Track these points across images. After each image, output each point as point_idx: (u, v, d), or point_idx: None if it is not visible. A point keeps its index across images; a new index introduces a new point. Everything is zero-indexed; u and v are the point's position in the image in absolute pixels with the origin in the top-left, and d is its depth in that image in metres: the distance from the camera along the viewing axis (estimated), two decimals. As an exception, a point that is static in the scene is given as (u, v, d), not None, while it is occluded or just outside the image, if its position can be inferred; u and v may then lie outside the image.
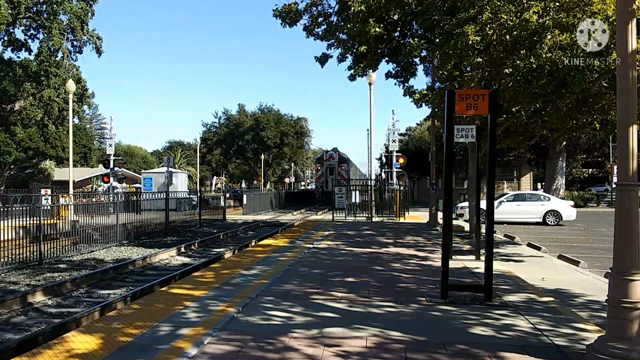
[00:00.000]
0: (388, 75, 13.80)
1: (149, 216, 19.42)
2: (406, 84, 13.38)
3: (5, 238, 12.21)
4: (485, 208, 6.84)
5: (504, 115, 11.92)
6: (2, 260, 12.07)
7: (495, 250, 8.00)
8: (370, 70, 16.28)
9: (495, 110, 6.55)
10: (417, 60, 12.49)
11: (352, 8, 10.74)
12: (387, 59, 13.00)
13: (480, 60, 9.72)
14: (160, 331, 5.19)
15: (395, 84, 13.77)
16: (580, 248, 14.27)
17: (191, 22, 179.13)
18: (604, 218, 24.84)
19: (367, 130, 34.87)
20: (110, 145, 31.38)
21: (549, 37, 8.50)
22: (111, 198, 19.50)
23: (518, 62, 9.09)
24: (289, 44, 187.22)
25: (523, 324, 5.54)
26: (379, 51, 12.42)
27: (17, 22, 34.77)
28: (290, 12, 12.56)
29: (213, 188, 61.43)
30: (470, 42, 8.86)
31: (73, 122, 31.09)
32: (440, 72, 11.31)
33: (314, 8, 12.69)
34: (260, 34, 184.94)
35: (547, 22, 8.56)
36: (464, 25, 9.19)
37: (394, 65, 13.42)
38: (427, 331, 5.24)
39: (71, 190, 26.24)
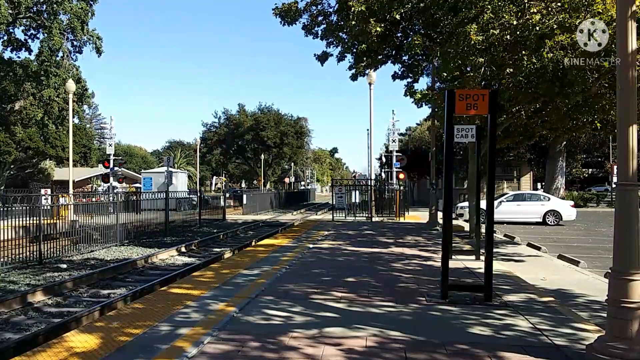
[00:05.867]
0: (395, 76, 13.84)
1: (149, 216, 19.42)
2: (415, 84, 13.49)
3: (5, 238, 12.22)
4: (485, 208, 6.84)
5: (504, 115, 11.92)
6: (2, 260, 12.07)
7: (495, 250, 7.99)
8: (371, 70, 16.30)
9: (495, 110, 6.55)
10: (421, 57, 12.51)
11: (353, 8, 10.74)
12: (392, 59, 13.03)
13: (482, 60, 9.73)
14: (160, 331, 5.19)
15: (405, 85, 13.85)
16: (580, 248, 14.26)
17: (191, 22, 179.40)
18: (604, 218, 24.83)
19: (367, 130, 34.87)
20: (110, 145, 31.40)
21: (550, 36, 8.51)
22: (111, 198, 19.50)
23: (522, 62, 9.08)
24: (290, 44, 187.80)
25: (523, 324, 5.54)
26: (382, 50, 12.43)
27: (17, 22, 34.72)
28: (290, 10, 12.57)
29: (213, 188, 61.43)
30: (472, 42, 8.86)
31: (73, 122, 31.07)
32: (442, 72, 11.32)
33: (314, 7, 12.70)
34: (260, 33, 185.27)
35: (550, 23, 8.55)
36: (465, 25, 9.20)
37: (400, 65, 13.47)
38: (426, 331, 5.23)
39: (71, 190, 26.22)
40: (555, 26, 8.50)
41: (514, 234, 16.77)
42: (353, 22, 11.09)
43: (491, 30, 8.83)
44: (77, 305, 8.86)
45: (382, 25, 10.96)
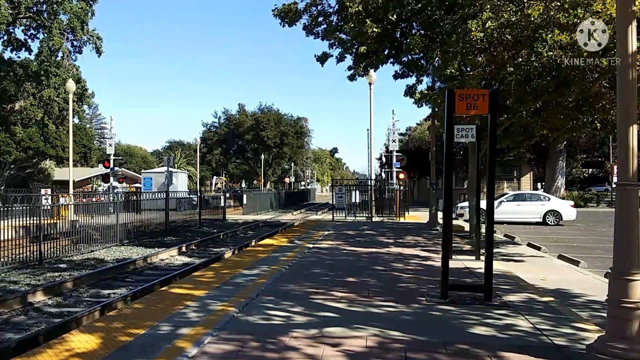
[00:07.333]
0: (396, 76, 13.85)
1: (149, 216, 19.41)
2: (419, 85, 13.53)
3: (6, 238, 12.21)
4: (485, 208, 6.84)
5: (504, 115, 11.92)
6: (2, 260, 12.07)
7: (495, 250, 8.00)
8: (371, 70, 16.30)
9: (495, 110, 6.55)
10: (421, 57, 12.51)
11: (350, 9, 10.74)
12: (392, 60, 13.03)
13: (481, 59, 9.72)
14: (161, 331, 5.19)
15: (407, 86, 13.85)
16: (580, 248, 14.27)
17: (191, 22, 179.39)
18: (604, 218, 24.83)
19: (367, 130, 34.88)
20: (110, 145, 31.42)
21: (549, 35, 8.51)
22: (111, 198, 19.50)
23: (520, 60, 9.09)
24: (290, 44, 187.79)
25: (523, 324, 5.54)
26: (382, 51, 12.43)
27: (17, 22, 34.68)
28: (289, 11, 12.56)
29: (213, 188, 61.42)
30: (474, 38, 8.84)
31: (73, 122, 31.08)
32: (442, 71, 11.31)
33: (314, 8, 12.69)
34: (260, 34, 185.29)
35: (548, 18, 8.55)
36: (464, 22, 9.19)
37: (400, 66, 13.48)
38: (427, 331, 5.24)
39: (71, 190, 26.22)
40: (552, 17, 8.49)
41: (514, 234, 16.77)
42: (350, 24, 11.08)
43: (488, 23, 8.76)
44: (77, 305, 8.86)
45: (380, 25, 10.95)
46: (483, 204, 7.55)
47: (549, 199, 23.13)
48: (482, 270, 6.64)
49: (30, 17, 34.84)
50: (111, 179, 29.78)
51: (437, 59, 11.86)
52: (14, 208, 13.65)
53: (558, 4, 8.77)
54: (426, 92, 13.85)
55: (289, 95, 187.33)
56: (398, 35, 12.37)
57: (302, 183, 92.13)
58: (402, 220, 23.30)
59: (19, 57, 35.99)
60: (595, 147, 54.12)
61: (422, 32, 11.80)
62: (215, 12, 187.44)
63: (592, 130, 12.76)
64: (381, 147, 61.22)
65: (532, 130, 13.28)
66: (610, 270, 4.34)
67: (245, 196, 36.09)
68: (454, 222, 11.44)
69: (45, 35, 33.92)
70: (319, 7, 12.72)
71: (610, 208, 33.53)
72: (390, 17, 10.98)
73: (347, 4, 10.84)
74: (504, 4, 9.02)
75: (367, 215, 23.79)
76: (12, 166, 42.20)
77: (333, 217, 24.05)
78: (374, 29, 10.67)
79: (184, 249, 15.51)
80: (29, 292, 9.10)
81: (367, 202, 24.63)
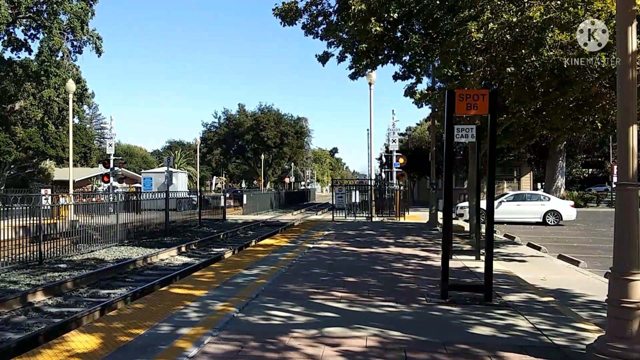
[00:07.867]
0: (396, 77, 13.86)
1: (149, 216, 19.41)
2: (418, 85, 13.54)
3: (6, 238, 12.21)
4: (485, 208, 6.84)
5: (505, 115, 11.92)
6: (2, 260, 12.07)
7: (495, 250, 8.00)
8: (370, 70, 16.31)
9: (495, 110, 6.55)
10: (421, 57, 12.52)
11: (353, 7, 10.73)
12: (392, 60, 13.03)
13: (481, 59, 9.72)
14: (161, 331, 5.19)
15: (407, 86, 13.85)
16: (580, 248, 14.26)
17: (191, 22, 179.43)
18: (604, 218, 24.83)
19: (367, 130, 34.89)
20: (110, 145, 31.42)
21: (549, 35, 8.50)
22: (111, 198, 19.50)
23: (522, 60, 9.07)
24: (290, 44, 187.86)
25: (523, 324, 5.54)
26: (382, 50, 12.43)
27: (17, 22, 34.68)
28: (290, 11, 12.56)
29: (213, 188, 61.42)
30: (473, 39, 8.84)
31: (73, 122, 31.07)
32: (442, 71, 11.30)
33: (314, 7, 12.70)
34: (260, 34, 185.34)
35: (550, 18, 8.54)
36: (464, 24, 9.19)
37: (400, 66, 13.49)
38: (427, 331, 5.24)
39: (71, 190, 26.20)
40: (553, 16, 8.48)
41: (514, 234, 16.77)
42: (351, 23, 11.07)
43: (490, 24, 8.74)
44: (77, 305, 8.86)
45: (381, 25, 10.95)
46: (483, 204, 7.55)
47: (549, 199, 23.13)
48: (482, 270, 6.64)
49: (30, 17, 34.84)
50: (111, 179, 29.77)
51: (437, 59, 11.86)
52: (14, 208, 13.65)
53: (558, 2, 8.77)
54: (426, 92, 13.84)
55: (289, 95, 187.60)
56: (399, 35, 12.37)
57: (302, 183, 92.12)
58: (402, 220, 23.29)
59: (19, 57, 36.02)
60: (595, 147, 54.13)
61: (423, 31, 11.81)
62: (215, 12, 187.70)
63: (592, 130, 12.74)
64: (381, 147, 61.26)
65: (532, 130, 13.27)
66: (610, 270, 4.34)
67: (245, 196, 36.09)
68: (454, 222, 11.44)
69: (45, 35, 33.92)
70: (319, 6, 12.74)
71: (610, 208, 33.54)
72: (392, 15, 10.97)
73: (350, 2, 10.83)
74: (504, 4, 9.01)
75: (367, 215, 23.79)
76: (12, 166, 42.18)
77: (333, 217, 24.04)
78: (377, 28, 10.67)
79: (183, 249, 15.51)
80: (29, 292, 9.10)
81: (367, 202, 24.62)
